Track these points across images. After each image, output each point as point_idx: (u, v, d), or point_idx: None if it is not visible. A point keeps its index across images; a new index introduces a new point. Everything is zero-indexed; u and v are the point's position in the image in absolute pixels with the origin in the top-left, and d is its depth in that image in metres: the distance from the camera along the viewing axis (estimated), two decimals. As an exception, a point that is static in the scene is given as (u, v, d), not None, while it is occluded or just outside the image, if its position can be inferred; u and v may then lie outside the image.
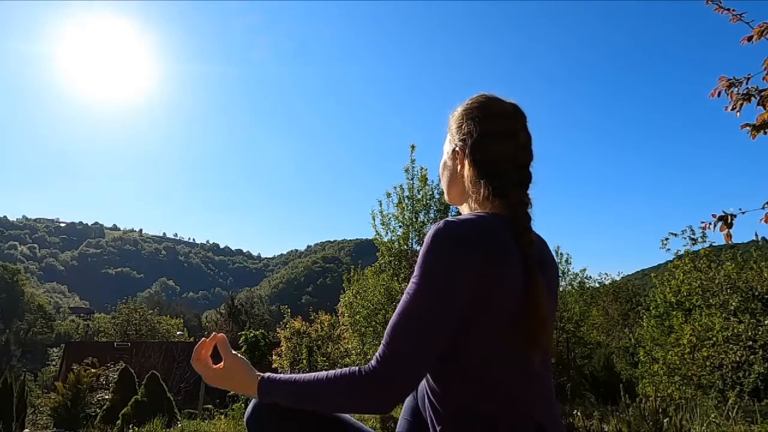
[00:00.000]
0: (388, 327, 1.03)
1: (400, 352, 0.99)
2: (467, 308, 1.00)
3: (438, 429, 1.05)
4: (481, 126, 1.16)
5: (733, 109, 2.41)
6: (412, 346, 0.99)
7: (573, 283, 14.84)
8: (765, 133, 2.36)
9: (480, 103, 1.20)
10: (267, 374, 1.15)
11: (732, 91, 2.41)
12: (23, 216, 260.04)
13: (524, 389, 1.03)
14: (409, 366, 1.00)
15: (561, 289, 14.57)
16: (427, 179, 9.74)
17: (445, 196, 1.32)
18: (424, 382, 1.12)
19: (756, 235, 2.75)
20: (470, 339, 1.02)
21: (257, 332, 14.28)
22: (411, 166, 9.83)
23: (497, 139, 1.16)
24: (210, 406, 12.11)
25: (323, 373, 1.08)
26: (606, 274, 26.54)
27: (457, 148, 1.22)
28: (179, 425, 7.96)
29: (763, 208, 2.34)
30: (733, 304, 8.76)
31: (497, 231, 1.04)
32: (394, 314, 1.04)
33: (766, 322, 8.20)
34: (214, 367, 1.23)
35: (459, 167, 1.22)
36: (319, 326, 13.62)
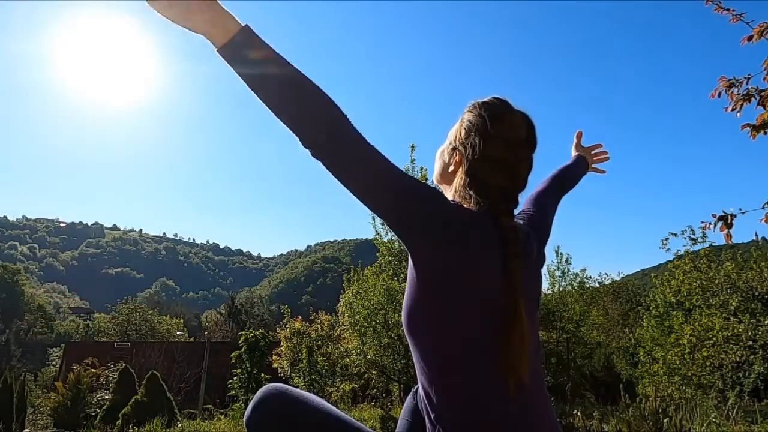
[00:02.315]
0: None
1: (370, 150, 1.03)
2: (435, 281, 1.03)
3: (432, 429, 1.06)
4: (486, 147, 1.13)
5: (733, 109, 2.41)
6: (379, 159, 1.03)
7: (573, 283, 14.78)
8: (765, 133, 2.36)
9: (496, 119, 1.15)
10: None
11: (732, 92, 2.41)
12: (23, 216, 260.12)
13: (517, 393, 1.03)
14: (363, 147, 1.02)
15: (561, 289, 14.54)
16: (427, 179, 9.75)
17: (434, 177, 1.32)
18: (420, 384, 1.12)
19: (756, 235, 2.75)
20: (454, 339, 1.03)
21: (257, 332, 14.25)
22: (411, 167, 9.84)
23: (496, 168, 1.13)
24: (210, 406, 12.13)
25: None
26: (606, 274, 26.56)
27: (456, 151, 1.20)
28: (179, 425, 7.96)
29: (763, 208, 2.34)
30: (733, 304, 8.76)
31: (487, 234, 1.06)
32: None
33: (766, 322, 8.20)
34: None
35: (452, 168, 1.21)
36: (319, 326, 13.62)
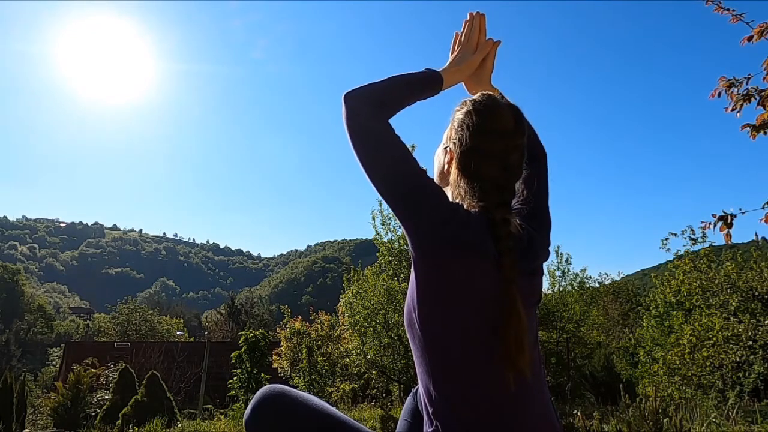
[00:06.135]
0: None
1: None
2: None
3: (430, 424, 1.07)
4: (472, 140, 1.15)
5: (733, 109, 2.41)
6: (391, 134, 1.13)
7: (573, 283, 14.79)
8: (765, 133, 2.36)
9: (481, 112, 1.17)
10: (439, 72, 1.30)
11: (732, 92, 2.42)
12: (23, 216, 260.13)
13: (512, 396, 1.04)
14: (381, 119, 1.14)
15: (561, 289, 14.54)
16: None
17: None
18: (419, 381, 1.12)
19: (756, 235, 2.74)
20: (453, 335, 1.04)
21: (257, 332, 14.20)
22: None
23: (485, 159, 1.15)
24: (210, 406, 12.12)
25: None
26: (606, 274, 26.53)
27: (448, 149, 1.23)
28: (179, 425, 7.96)
29: (763, 208, 2.34)
30: (733, 304, 8.75)
31: (479, 231, 1.08)
32: None
33: (766, 322, 8.19)
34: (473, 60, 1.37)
35: (447, 166, 1.24)
36: (319, 326, 13.60)
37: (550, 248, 1.30)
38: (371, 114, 1.11)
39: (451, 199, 1.21)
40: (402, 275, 10.00)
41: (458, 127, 1.19)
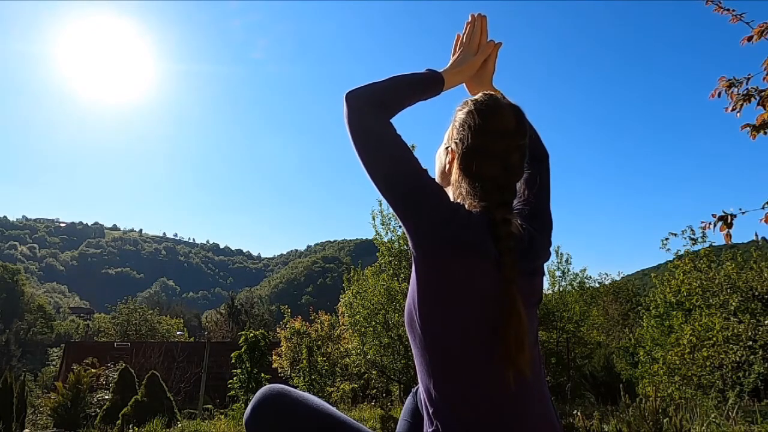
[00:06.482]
0: None
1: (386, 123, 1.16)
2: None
3: (430, 424, 1.07)
4: (474, 139, 1.16)
5: (733, 109, 2.41)
6: (393, 133, 1.14)
7: (573, 283, 14.80)
8: (765, 133, 2.36)
9: (483, 112, 1.17)
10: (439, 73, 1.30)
11: (732, 92, 2.42)
12: (23, 216, 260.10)
13: (512, 396, 1.04)
14: (383, 119, 1.14)
15: (561, 289, 14.55)
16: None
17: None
18: (420, 381, 1.12)
19: (756, 235, 2.74)
20: (453, 335, 1.04)
21: (257, 332, 14.20)
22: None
23: (486, 159, 1.15)
24: (210, 406, 12.13)
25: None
26: (606, 274, 26.58)
27: (449, 149, 1.24)
28: (179, 425, 7.96)
29: (763, 208, 2.34)
30: (733, 304, 8.75)
31: (480, 231, 1.08)
32: None
33: (766, 322, 8.19)
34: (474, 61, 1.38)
35: (448, 166, 1.24)
36: (319, 326, 13.61)
37: (551, 248, 1.30)
38: (372, 114, 1.12)
39: (452, 199, 1.22)
40: (402, 275, 10.00)
41: (460, 126, 1.20)
